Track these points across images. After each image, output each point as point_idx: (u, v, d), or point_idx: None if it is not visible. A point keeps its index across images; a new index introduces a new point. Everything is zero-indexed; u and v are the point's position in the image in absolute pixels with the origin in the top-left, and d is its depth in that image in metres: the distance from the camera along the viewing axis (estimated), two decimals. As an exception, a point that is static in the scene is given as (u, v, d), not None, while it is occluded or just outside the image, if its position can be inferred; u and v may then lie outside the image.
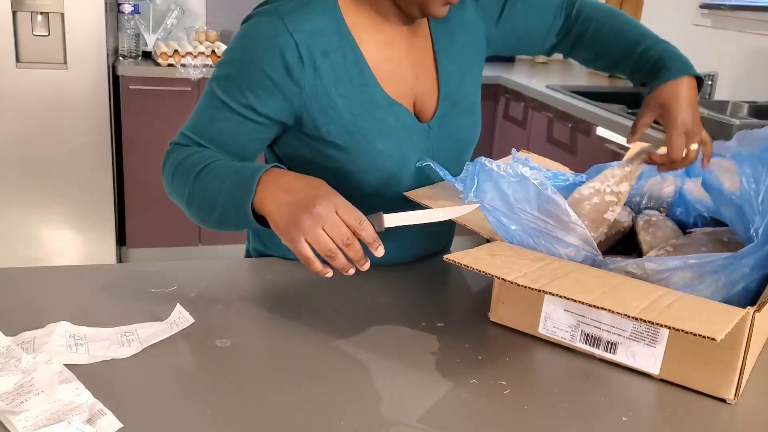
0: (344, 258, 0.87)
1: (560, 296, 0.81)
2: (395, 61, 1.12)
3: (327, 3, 1.06)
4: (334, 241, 0.85)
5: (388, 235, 0.90)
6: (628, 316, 0.77)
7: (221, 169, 0.98)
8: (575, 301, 0.80)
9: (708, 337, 0.72)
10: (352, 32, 1.07)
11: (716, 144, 1.09)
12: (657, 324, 0.75)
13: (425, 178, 1.16)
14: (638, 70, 1.19)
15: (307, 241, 0.85)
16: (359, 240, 0.87)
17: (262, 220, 0.93)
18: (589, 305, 0.79)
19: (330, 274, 0.88)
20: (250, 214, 0.92)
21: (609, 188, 1.07)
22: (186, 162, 1.02)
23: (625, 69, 1.22)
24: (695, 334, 0.73)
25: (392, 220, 0.90)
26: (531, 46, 1.30)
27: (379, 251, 0.87)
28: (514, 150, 1.13)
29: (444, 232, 1.30)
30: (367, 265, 0.88)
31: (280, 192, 0.90)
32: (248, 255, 1.32)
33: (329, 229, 0.85)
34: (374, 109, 1.09)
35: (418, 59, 1.15)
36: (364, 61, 1.08)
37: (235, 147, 1.06)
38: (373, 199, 1.11)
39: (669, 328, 0.75)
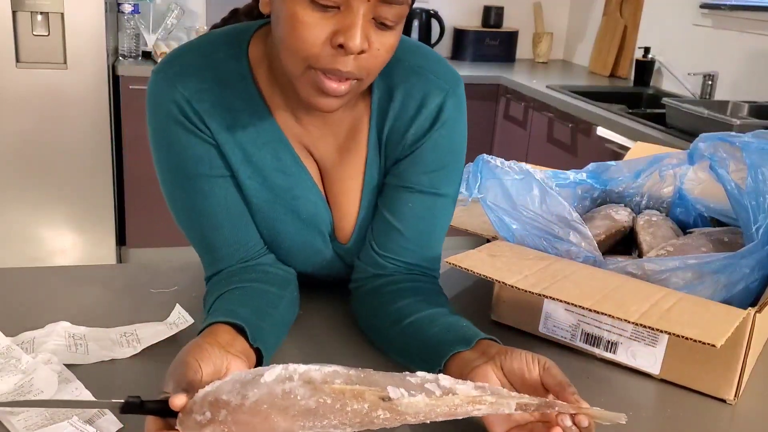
0: None
1: (560, 300, 0.81)
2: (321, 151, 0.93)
3: (235, 75, 0.87)
4: None
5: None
6: (628, 321, 0.77)
7: None
8: (575, 305, 0.80)
9: (708, 344, 0.72)
10: (269, 107, 0.89)
11: (729, 134, 1.04)
12: (656, 330, 0.76)
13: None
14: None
15: None
16: None
17: None
18: (590, 310, 0.79)
19: None
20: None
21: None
22: None
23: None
24: (695, 340, 0.73)
25: None
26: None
27: None
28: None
29: None
30: None
31: None
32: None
33: None
34: (288, 200, 0.92)
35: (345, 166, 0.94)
36: (283, 139, 0.90)
37: (243, 221, 0.93)
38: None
39: (668, 333, 0.75)
